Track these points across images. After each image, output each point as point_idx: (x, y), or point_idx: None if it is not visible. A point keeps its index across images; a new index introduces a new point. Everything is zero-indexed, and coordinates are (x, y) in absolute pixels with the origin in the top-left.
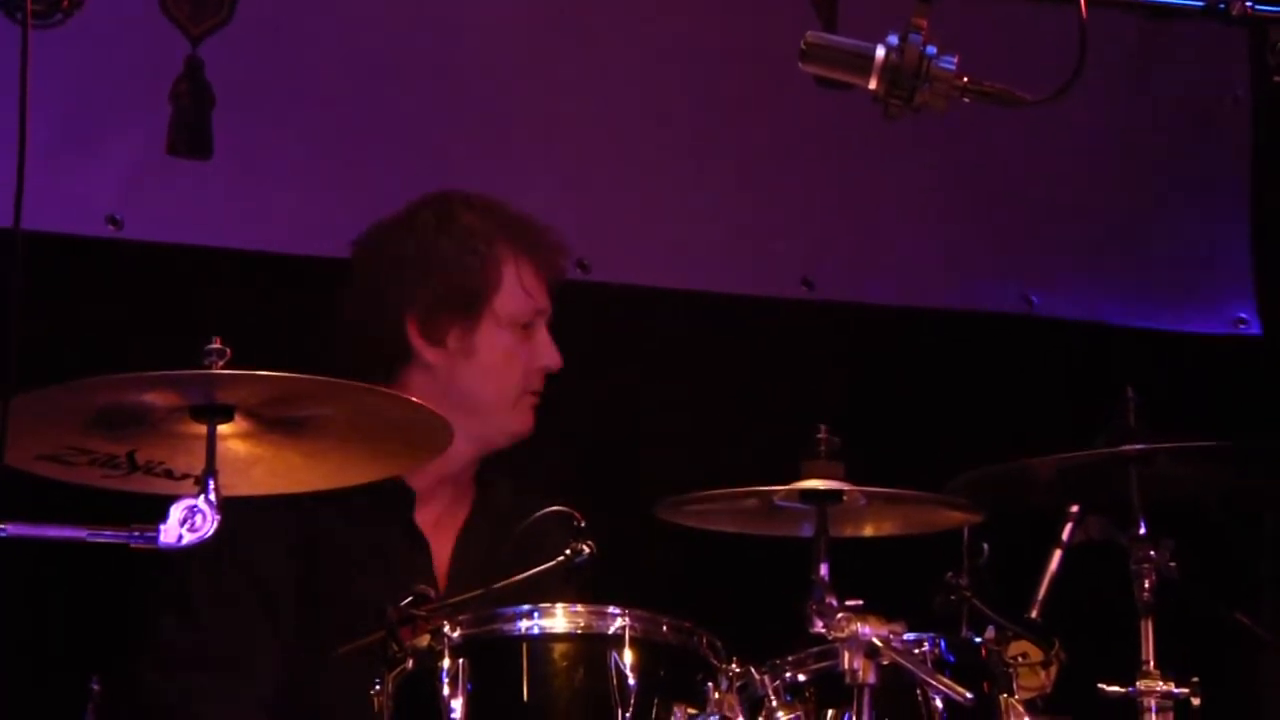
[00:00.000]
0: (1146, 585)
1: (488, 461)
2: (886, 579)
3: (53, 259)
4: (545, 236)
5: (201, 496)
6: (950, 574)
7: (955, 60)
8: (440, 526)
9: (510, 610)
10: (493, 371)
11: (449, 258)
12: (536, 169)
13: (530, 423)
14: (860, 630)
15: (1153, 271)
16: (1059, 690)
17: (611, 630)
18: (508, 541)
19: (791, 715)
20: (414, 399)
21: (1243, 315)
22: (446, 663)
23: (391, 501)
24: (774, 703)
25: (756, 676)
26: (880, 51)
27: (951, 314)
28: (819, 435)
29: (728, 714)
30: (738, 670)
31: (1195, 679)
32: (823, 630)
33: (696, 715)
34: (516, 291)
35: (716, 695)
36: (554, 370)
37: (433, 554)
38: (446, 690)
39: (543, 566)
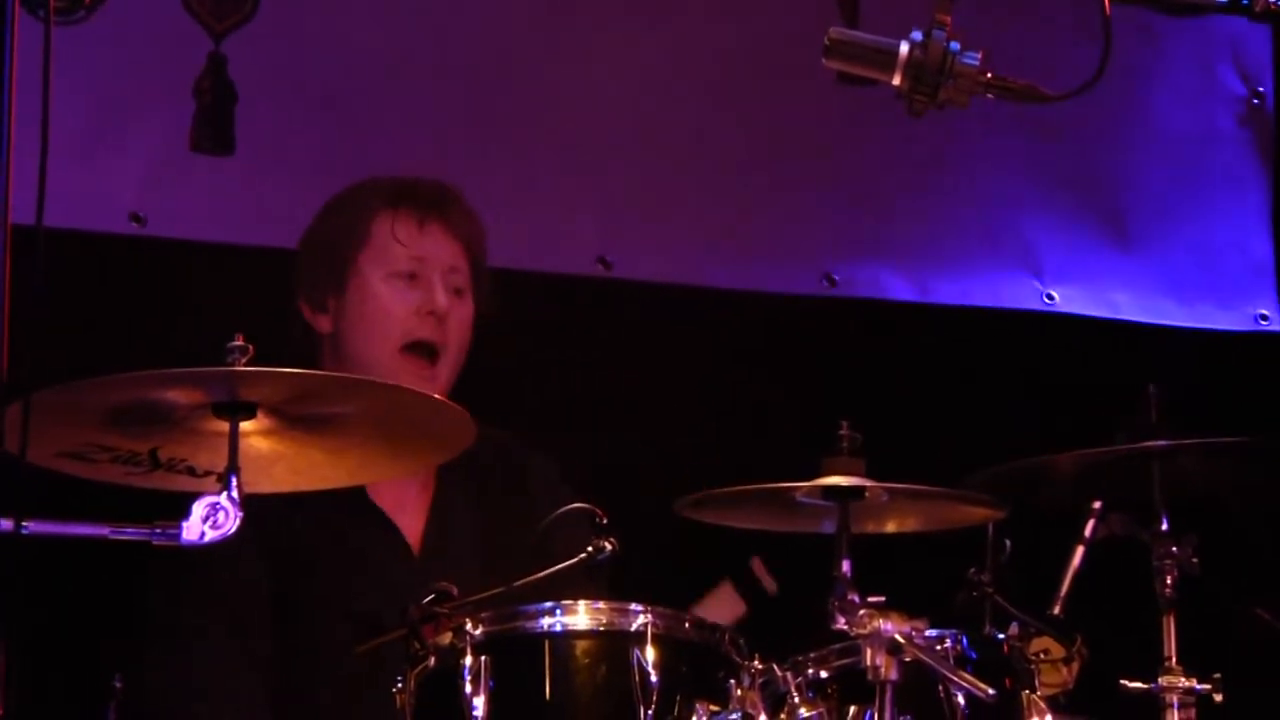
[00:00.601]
0: (1169, 581)
1: None
2: (908, 575)
3: (76, 256)
4: (423, 187)
5: (224, 494)
6: (972, 570)
7: (979, 56)
8: (404, 504)
9: (532, 608)
10: (369, 321)
11: (323, 228)
12: (557, 167)
13: (422, 389)
14: (882, 627)
15: (1174, 268)
16: (1081, 687)
17: (634, 627)
18: (490, 497)
19: (814, 712)
20: (436, 395)
21: (1265, 311)
22: (469, 660)
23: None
24: (796, 699)
25: (779, 673)
26: (904, 48)
27: (972, 310)
28: (840, 432)
29: (750, 711)
30: (760, 667)
31: (1217, 675)
32: (845, 627)
33: (719, 712)
34: (388, 243)
35: (739, 692)
36: (436, 311)
37: (402, 531)
38: (469, 688)
39: (565, 564)
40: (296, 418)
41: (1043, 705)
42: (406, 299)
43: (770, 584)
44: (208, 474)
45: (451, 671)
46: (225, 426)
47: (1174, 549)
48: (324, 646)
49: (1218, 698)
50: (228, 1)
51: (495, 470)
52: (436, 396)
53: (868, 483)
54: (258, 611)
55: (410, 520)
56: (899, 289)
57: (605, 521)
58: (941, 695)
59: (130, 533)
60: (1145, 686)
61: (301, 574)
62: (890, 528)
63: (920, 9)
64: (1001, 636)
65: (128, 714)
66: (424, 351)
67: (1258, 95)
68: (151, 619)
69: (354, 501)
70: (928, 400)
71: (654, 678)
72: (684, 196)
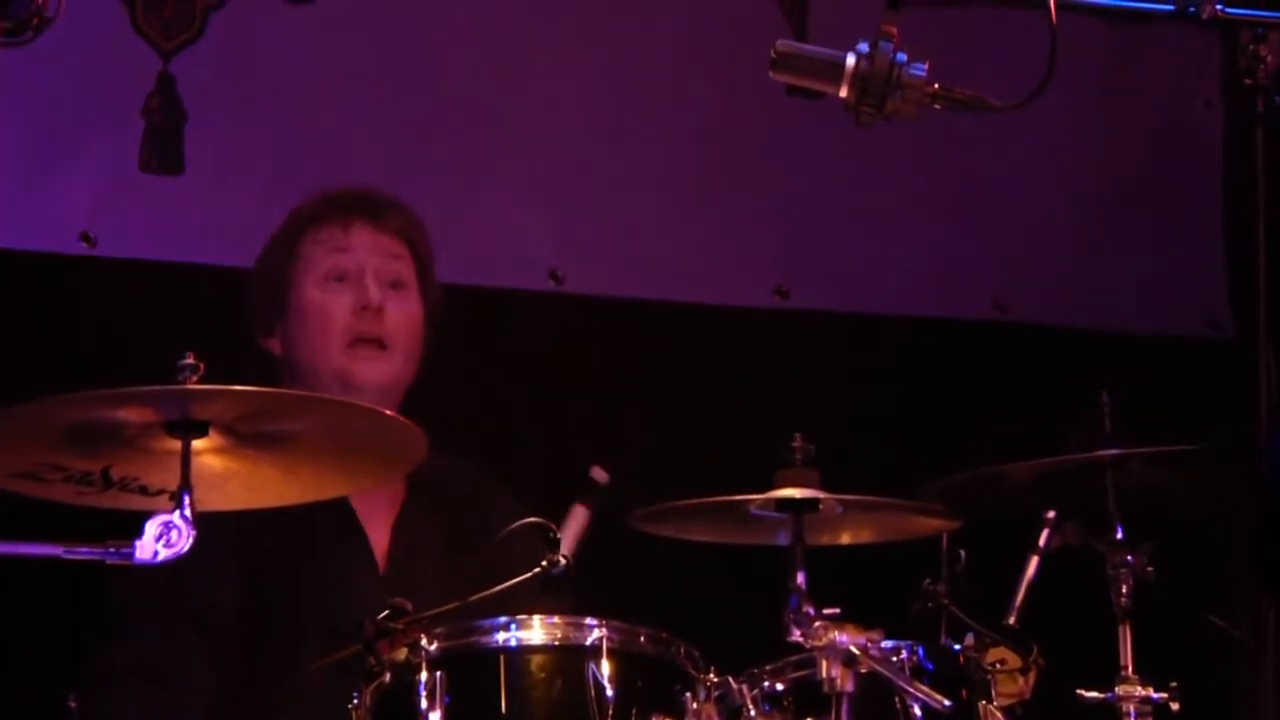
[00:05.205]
0: (1124, 590)
1: None
2: (864, 587)
3: (26, 276)
4: (345, 193)
5: (177, 512)
6: (928, 581)
7: (925, 67)
8: (374, 512)
9: (487, 622)
10: (312, 329)
11: (261, 260)
12: (508, 182)
13: (375, 371)
14: (838, 638)
15: (1126, 275)
16: (1038, 696)
17: (589, 641)
18: (452, 521)
19: None
20: (387, 412)
21: (1217, 318)
22: (424, 675)
23: None
24: (752, 712)
25: (734, 686)
26: (850, 59)
27: (924, 321)
28: (794, 444)
29: None
30: (715, 680)
31: (1174, 683)
32: (800, 639)
33: None
34: (314, 252)
35: (695, 705)
36: (370, 305)
37: (370, 539)
38: (424, 703)
39: (519, 578)
40: (249, 435)
41: (999, 716)
42: (342, 300)
43: (602, 475)
44: (160, 493)
45: (407, 687)
46: (177, 445)
47: (1129, 557)
48: (288, 656)
49: (1174, 706)
50: (176, 21)
51: (457, 496)
52: (388, 413)
53: (821, 494)
54: (224, 613)
55: (377, 534)
56: (851, 301)
57: (558, 536)
58: (898, 707)
59: (84, 552)
60: (1102, 696)
61: (275, 578)
62: (845, 539)
63: (868, 21)
64: (957, 647)
65: None
66: (370, 342)
67: (1206, 101)
68: (112, 608)
69: (335, 508)
70: (881, 412)
71: (609, 692)
72: (636, 209)
